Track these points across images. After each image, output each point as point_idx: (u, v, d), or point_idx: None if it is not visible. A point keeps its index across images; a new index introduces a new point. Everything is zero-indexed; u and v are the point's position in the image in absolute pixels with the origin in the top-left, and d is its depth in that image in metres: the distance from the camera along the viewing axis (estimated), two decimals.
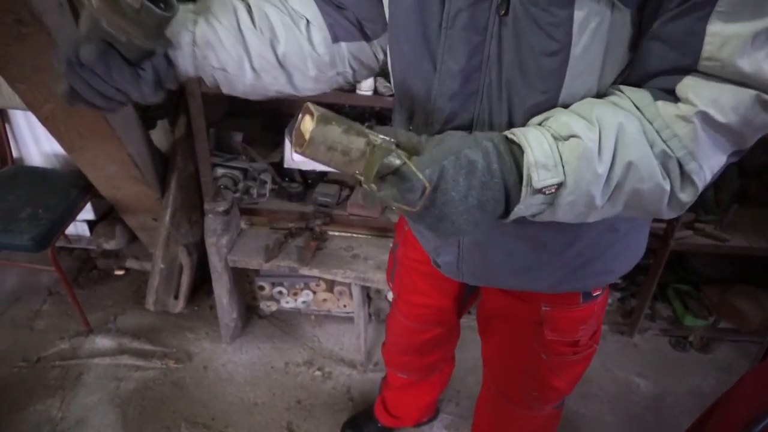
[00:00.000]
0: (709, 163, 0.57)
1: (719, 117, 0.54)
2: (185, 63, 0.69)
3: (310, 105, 0.53)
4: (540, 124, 0.60)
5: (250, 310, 2.04)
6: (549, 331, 0.94)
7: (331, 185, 1.89)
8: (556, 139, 0.57)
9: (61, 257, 1.95)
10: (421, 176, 0.52)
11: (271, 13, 0.73)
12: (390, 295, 1.97)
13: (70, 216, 1.76)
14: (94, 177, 1.71)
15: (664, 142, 0.56)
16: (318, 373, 1.85)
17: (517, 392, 1.08)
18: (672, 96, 0.57)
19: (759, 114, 0.54)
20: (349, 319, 1.99)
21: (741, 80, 0.53)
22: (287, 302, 2.00)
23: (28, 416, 1.64)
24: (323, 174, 1.93)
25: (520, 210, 0.57)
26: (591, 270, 0.83)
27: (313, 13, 0.75)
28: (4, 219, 1.64)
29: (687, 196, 0.59)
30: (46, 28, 1.18)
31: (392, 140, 0.54)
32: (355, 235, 1.83)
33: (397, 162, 0.53)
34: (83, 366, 1.81)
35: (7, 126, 1.94)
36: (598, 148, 0.55)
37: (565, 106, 0.62)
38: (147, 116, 1.81)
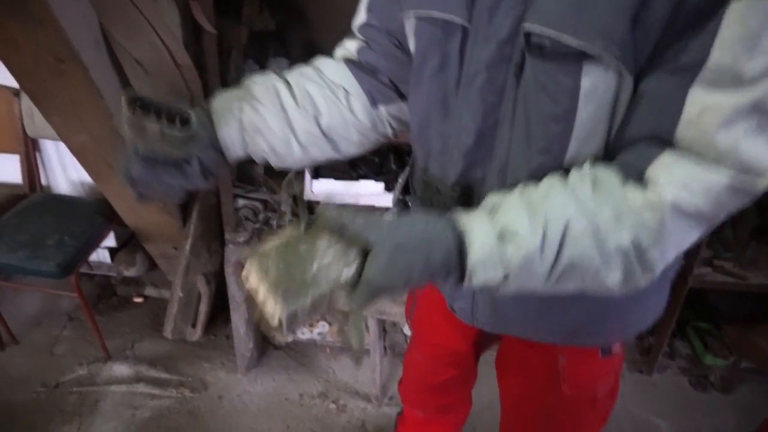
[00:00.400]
0: (675, 247, 0.57)
1: (690, 203, 0.53)
2: (235, 149, 0.73)
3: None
4: (493, 209, 0.60)
5: (265, 341, 2.05)
6: (566, 385, 0.92)
7: None
8: (500, 236, 0.56)
9: (82, 283, 1.98)
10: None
11: (311, 89, 0.75)
12: (407, 329, 1.97)
13: (94, 243, 1.80)
14: (118, 206, 1.75)
15: (627, 230, 0.55)
16: (333, 405, 1.84)
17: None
18: (641, 176, 0.56)
19: (731, 199, 0.53)
20: (364, 352, 1.99)
21: (715, 156, 0.52)
22: (303, 333, 2.00)
23: None
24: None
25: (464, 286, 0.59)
26: (606, 326, 0.82)
27: (350, 82, 0.78)
28: (32, 245, 1.68)
29: (643, 281, 0.58)
30: (83, 65, 1.23)
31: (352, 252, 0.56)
32: None
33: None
34: (100, 393, 1.82)
35: (37, 155, 2.01)
36: (540, 250, 0.55)
37: (569, 168, 0.62)
38: None
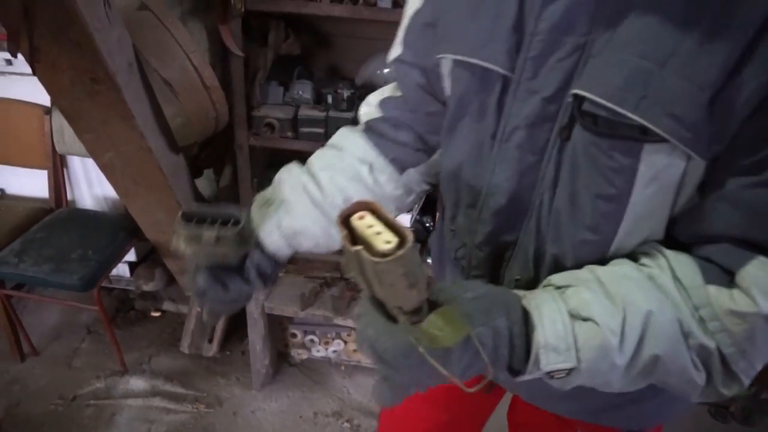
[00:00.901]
0: (765, 358, 0.50)
1: None
2: (282, 252, 0.73)
3: (381, 208, 0.45)
4: (559, 288, 0.54)
5: (280, 357, 2.06)
6: None
7: None
8: (573, 317, 0.51)
9: (101, 296, 2.01)
10: (486, 357, 0.48)
11: (335, 176, 0.73)
12: None
13: (116, 258, 1.84)
14: (142, 222, 1.79)
15: (710, 334, 0.49)
16: (347, 425, 1.83)
17: None
18: (728, 278, 0.50)
19: None
20: None
21: None
22: (318, 351, 2.01)
23: None
24: None
25: (525, 377, 0.52)
26: (639, 410, 0.73)
27: (373, 155, 0.74)
28: (57, 259, 1.72)
29: (729, 391, 0.52)
30: (117, 86, 1.28)
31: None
32: None
33: (472, 335, 0.48)
34: (116, 406, 1.84)
35: (64, 170, 2.06)
36: (619, 339, 0.49)
37: (619, 252, 0.57)
38: (195, 166, 1.91)
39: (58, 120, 1.87)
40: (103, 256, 1.77)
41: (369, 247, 0.42)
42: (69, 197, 2.11)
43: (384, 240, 0.42)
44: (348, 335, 1.93)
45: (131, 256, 2.16)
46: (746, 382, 0.50)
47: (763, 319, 0.47)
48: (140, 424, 1.78)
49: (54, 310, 2.22)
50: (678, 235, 0.56)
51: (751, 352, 0.49)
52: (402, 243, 0.42)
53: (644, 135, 0.48)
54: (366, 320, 0.48)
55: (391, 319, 0.47)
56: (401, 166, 0.76)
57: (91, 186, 2.13)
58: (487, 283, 0.63)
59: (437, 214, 0.86)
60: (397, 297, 0.46)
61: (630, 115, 0.47)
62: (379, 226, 0.43)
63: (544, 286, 0.57)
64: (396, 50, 0.75)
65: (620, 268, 0.54)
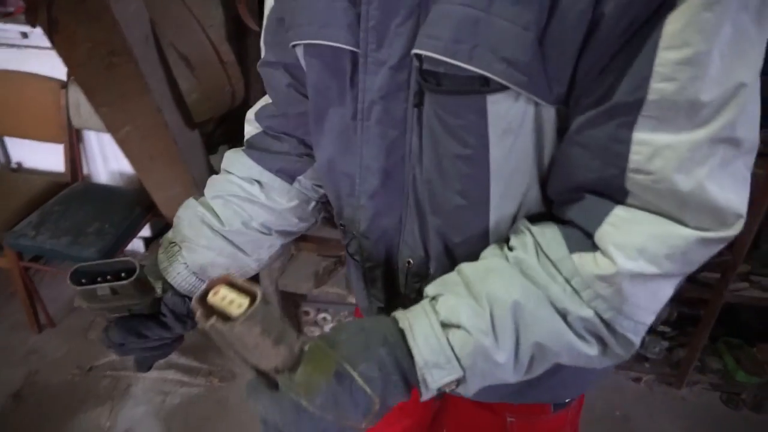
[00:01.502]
0: (648, 311, 0.49)
1: (650, 270, 0.45)
2: (197, 289, 0.70)
3: (231, 276, 0.44)
4: (433, 299, 0.53)
5: None
6: None
7: None
8: (445, 326, 0.49)
9: None
10: (369, 390, 0.46)
11: (229, 201, 0.71)
12: None
13: (133, 232, 1.86)
14: (157, 197, 1.80)
15: (585, 303, 0.48)
16: None
17: None
18: (590, 240, 0.48)
19: (701, 253, 0.46)
20: None
21: (676, 206, 0.44)
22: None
23: (79, 423, 1.70)
24: None
25: (425, 396, 0.51)
26: (557, 381, 0.71)
27: (258, 172, 0.72)
28: (74, 232, 1.74)
29: (627, 352, 0.50)
30: (135, 59, 1.27)
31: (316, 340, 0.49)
32: None
33: (345, 373, 0.46)
34: (132, 378, 1.87)
35: (80, 145, 2.07)
36: (493, 338, 0.48)
37: (502, 220, 0.55)
38: (210, 142, 1.91)
39: (75, 94, 1.87)
40: (120, 229, 1.78)
41: (225, 317, 0.43)
42: (84, 171, 2.13)
43: (237, 305, 0.42)
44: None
45: (146, 231, 2.18)
46: (636, 339, 0.49)
47: (627, 276, 0.45)
48: (155, 396, 1.81)
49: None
50: (550, 193, 0.54)
51: (629, 309, 0.47)
52: (252, 302, 0.42)
53: (486, 85, 0.46)
54: (254, 396, 0.47)
55: (275, 385, 0.47)
56: (289, 176, 0.73)
57: (106, 161, 2.14)
58: (387, 290, 0.68)
59: None
60: (269, 358, 0.45)
61: (465, 65, 0.45)
62: (232, 295, 0.43)
63: (424, 297, 0.55)
64: (262, 54, 0.71)
65: (487, 261, 0.53)
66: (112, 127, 1.50)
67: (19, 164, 2.19)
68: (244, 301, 0.43)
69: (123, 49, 1.25)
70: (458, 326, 0.49)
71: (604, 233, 0.47)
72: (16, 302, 2.09)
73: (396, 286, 0.68)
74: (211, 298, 0.44)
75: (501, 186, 0.53)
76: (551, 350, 0.49)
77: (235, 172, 0.72)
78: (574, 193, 0.50)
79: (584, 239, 0.48)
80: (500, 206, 0.54)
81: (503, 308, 0.48)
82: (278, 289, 1.78)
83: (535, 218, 0.54)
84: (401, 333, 0.50)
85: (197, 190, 1.75)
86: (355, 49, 0.53)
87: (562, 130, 0.50)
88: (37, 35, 1.91)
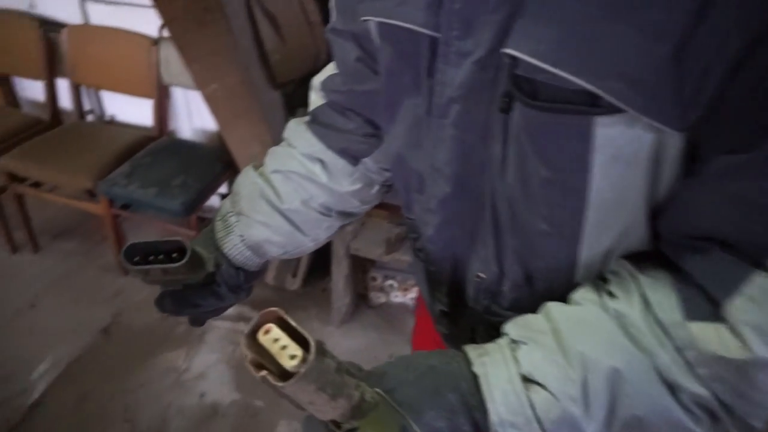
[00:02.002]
0: None
1: None
2: (252, 262, 0.68)
3: (280, 312, 0.41)
4: (514, 343, 0.46)
5: (359, 299, 2.11)
6: None
7: None
8: (527, 381, 0.43)
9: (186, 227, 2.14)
10: None
11: (289, 178, 0.67)
12: None
13: (214, 187, 1.93)
14: (238, 154, 1.85)
15: (701, 381, 0.40)
16: None
17: None
18: (713, 308, 0.39)
19: None
20: None
21: None
22: (396, 296, 2.04)
23: (158, 362, 1.82)
24: None
25: None
26: None
27: (321, 149, 0.67)
28: (161, 184, 1.83)
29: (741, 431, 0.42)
30: (226, 16, 1.30)
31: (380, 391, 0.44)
32: None
33: (412, 429, 0.42)
34: (206, 327, 1.96)
35: (167, 101, 2.15)
36: (583, 407, 0.41)
37: (593, 251, 0.47)
38: (291, 103, 1.93)
39: (165, 50, 1.94)
40: (202, 184, 1.85)
41: (277, 365, 0.39)
42: (169, 127, 2.21)
43: (289, 355, 0.38)
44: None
45: (223, 188, 2.26)
46: (760, 424, 0.41)
47: (763, 366, 0.38)
48: (227, 345, 1.90)
49: (153, 232, 2.38)
50: (663, 231, 0.45)
51: (758, 398, 0.39)
52: (306, 353, 0.38)
53: (595, 105, 0.37)
54: None
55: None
56: (353, 158, 0.67)
57: (190, 117, 2.22)
58: (452, 297, 0.61)
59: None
60: (326, 413, 0.41)
61: (572, 78, 0.36)
62: (285, 339, 0.39)
63: (502, 334, 0.49)
64: (332, 17, 0.64)
65: (581, 309, 0.45)
66: (201, 83, 1.55)
67: (112, 117, 2.31)
68: (298, 352, 0.38)
69: (216, 6, 1.28)
70: (543, 386, 0.43)
71: (738, 308, 0.38)
72: (106, 246, 2.24)
73: (462, 296, 0.62)
74: (262, 338, 0.40)
75: (599, 219, 0.44)
76: (651, 425, 0.42)
77: (297, 147, 0.68)
78: (699, 241, 0.41)
79: (706, 305, 0.40)
80: (595, 241, 0.46)
81: (599, 374, 0.41)
82: (349, 253, 1.80)
83: (638, 258, 0.46)
84: (475, 378, 0.45)
85: None
86: (434, 34, 0.45)
87: (685, 158, 0.41)
88: None
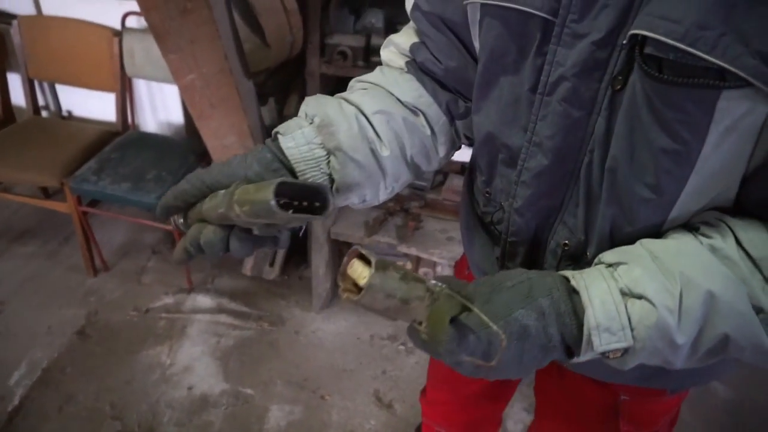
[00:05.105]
0: None
1: None
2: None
3: (360, 249, 0.48)
4: (610, 266, 0.50)
5: (337, 284, 2.15)
6: (625, 422, 0.79)
7: None
8: (624, 295, 0.47)
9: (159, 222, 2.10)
10: (496, 328, 0.46)
11: (394, 120, 0.62)
12: None
13: None
14: (212, 145, 1.84)
15: None
16: (402, 347, 1.94)
17: None
18: None
19: None
20: None
21: None
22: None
23: (141, 359, 1.80)
24: None
25: (581, 358, 0.50)
26: (693, 371, 0.64)
27: (426, 100, 0.66)
28: (134, 178, 1.79)
29: None
30: (209, 4, 1.30)
31: (445, 286, 0.49)
32: (448, 219, 1.91)
33: (472, 313, 0.47)
34: (187, 320, 1.95)
35: (129, 95, 2.10)
36: (677, 318, 0.45)
37: (681, 215, 0.51)
38: (261, 93, 1.93)
39: (130, 42, 1.89)
40: (177, 177, 1.83)
41: (358, 288, 0.47)
42: (131, 121, 2.16)
43: (362, 277, 0.46)
44: (404, 264, 2.01)
45: None
46: None
47: None
48: (210, 337, 1.90)
49: (120, 230, 2.32)
50: (746, 199, 0.49)
51: None
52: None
53: (722, 79, 0.40)
54: (412, 341, 0.49)
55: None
56: (452, 116, 0.68)
57: (154, 111, 2.18)
58: (527, 266, 0.61)
59: (464, 178, 0.80)
60: (404, 315, 0.48)
61: (707, 57, 0.39)
62: (361, 267, 0.47)
63: (595, 264, 0.53)
64: (409, 2, 0.65)
65: (677, 242, 0.49)
66: (178, 73, 1.53)
67: (69, 112, 2.22)
68: (366, 273, 0.46)
69: None
70: (640, 297, 0.46)
71: None
72: (71, 245, 2.17)
73: (538, 264, 0.65)
74: (349, 271, 0.48)
75: (699, 184, 0.48)
76: (737, 344, 0.46)
77: (397, 94, 0.64)
78: None
79: None
80: (688, 203, 0.50)
81: (697, 292, 0.45)
82: (330, 237, 1.83)
83: (722, 210, 0.51)
84: (569, 292, 0.49)
85: (252, 139, 1.79)
86: (551, 18, 0.49)
87: None
88: None
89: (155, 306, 2.00)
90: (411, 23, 0.68)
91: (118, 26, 1.94)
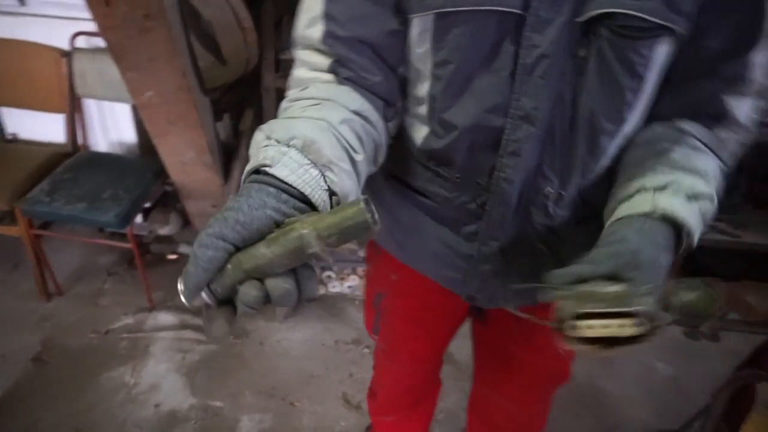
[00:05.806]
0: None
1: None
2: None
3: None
4: (663, 188, 0.60)
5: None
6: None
7: None
8: (690, 199, 0.59)
9: (116, 241, 2.07)
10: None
11: (359, 126, 0.64)
12: None
13: (146, 197, 1.91)
14: (170, 162, 1.85)
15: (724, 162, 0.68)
16: (366, 350, 1.99)
17: (536, 395, 1.12)
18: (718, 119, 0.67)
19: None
20: None
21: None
22: (334, 286, 2.14)
23: (104, 381, 1.77)
24: None
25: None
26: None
27: (368, 107, 0.67)
28: (90, 198, 1.78)
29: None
30: (168, 23, 1.33)
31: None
32: None
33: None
34: (149, 339, 1.94)
35: (78, 115, 2.08)
36: (713, 201, 0.61)
37: (628, 140, 0.69)
38: (216, 109, 1.97)
39: (80, 62, 1.88)
40: (134, 195, 1.83)
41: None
42: (82, 142, 2.13)
43: (618, 324, 0.54)
44: (363, 271, 2.07)
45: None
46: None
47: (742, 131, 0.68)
48: (175, 354, 1.89)
49: (74, 253, 2.27)
50: (661, 109, 0.69)
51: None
52: None
53: (661, 31, 0.59)
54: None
55: None
56: (385, 120, 0.71)
57: (105, 130, 2.16)
58: (516, 224, 0.75)
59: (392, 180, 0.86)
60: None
61: (659, 21, 0.57)
62: (598, 323, 0.54)
63: (639, 192, 0.61)
64: (318, 28, 0.66)
65: (679, 151, 0.65)
66: (135, 91, 1.55)
67: (14, 135, 2.17)
68: (626, 322, 0.54)
69: (159, 14, 1.31)
70: (699, 197, 0.59)
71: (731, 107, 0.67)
72: (21, 271, 2.11)
73: (526, 217, 0.75)
74: (588, 332, 0.54)
75: (643, 107, 0.67)
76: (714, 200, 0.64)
77: (346, 104, 0.64)
78: (711, 62, 0.65)
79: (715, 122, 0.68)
80: (636, 125, 0.69)
81: (716, 179, 0.63)
82: None
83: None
84: (651, 217, 0.58)
85: (210, 155, 1.82)
86: (521, 12, 0.59)
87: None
88: (35, 2, 1.91)
89: (115, 327, 1.97)
90: (313, 48, 0.68)
91: (66, 46, 1.92)
